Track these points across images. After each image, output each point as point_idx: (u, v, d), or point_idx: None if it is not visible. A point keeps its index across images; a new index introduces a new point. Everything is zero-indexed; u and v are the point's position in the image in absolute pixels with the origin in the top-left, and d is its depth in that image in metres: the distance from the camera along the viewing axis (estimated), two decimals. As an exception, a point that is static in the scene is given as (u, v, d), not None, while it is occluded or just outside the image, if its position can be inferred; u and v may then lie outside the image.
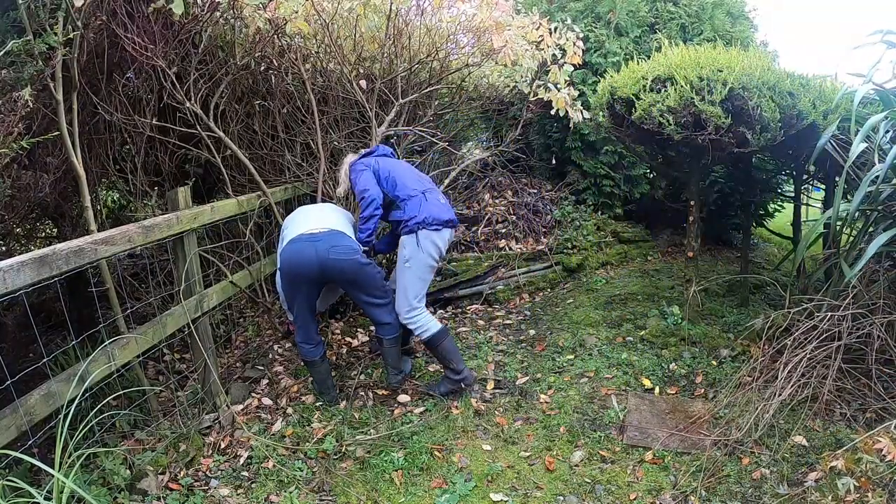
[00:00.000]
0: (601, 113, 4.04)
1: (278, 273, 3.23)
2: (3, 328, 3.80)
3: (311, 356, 3.25)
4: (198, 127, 3.48)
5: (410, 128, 4.37)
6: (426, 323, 3.26)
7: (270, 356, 3.90)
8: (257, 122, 4.15)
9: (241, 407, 3.25)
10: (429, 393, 3.32)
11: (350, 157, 3.51)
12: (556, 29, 4.28)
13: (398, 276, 3.30)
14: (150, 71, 3.40)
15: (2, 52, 2.47)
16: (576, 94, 4.45)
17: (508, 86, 5.08)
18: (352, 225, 3.33)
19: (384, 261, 4.23)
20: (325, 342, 3.39)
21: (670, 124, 3.22)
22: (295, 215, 3.32)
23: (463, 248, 5.10)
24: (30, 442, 2.01)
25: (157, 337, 2.72)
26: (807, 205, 4.66)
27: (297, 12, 3.34)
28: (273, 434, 3.01)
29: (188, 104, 3.33)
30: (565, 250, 5.16)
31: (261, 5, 3.32)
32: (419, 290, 3.27)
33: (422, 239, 3.18)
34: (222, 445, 2.90)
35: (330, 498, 2.57)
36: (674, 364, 3.48)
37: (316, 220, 3.13)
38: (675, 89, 3.18)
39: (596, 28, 5.31)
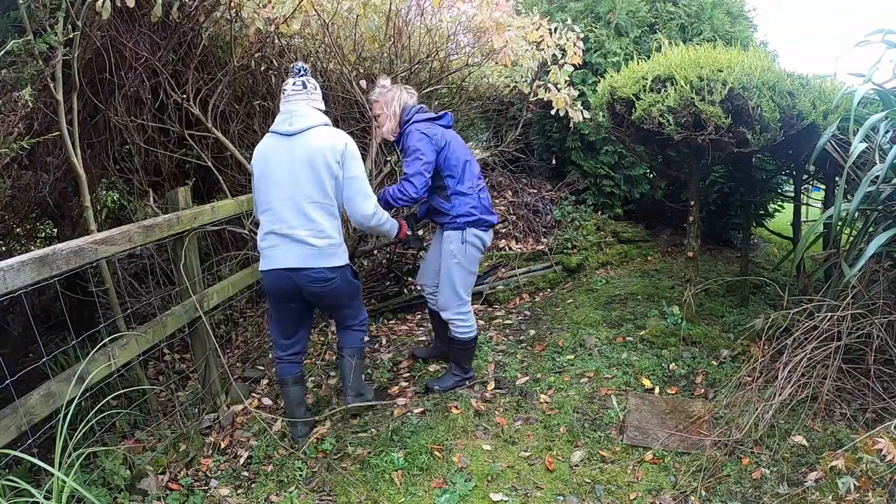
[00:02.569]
0: (601, 113, 4.04)
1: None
2: (4, 329, 3.80)
3: (280, 374, 2.93)
4: (192, 130, 3.47)
5: (410, 128, 4.36)
6: (473, 323, 3.29)
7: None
8: (257, 122, 4.15)
9: (241, 407, 3.25)
10: (432, 388, 3.32)
11: (405, 95, 3.16)
12: (556, 29, 4.28)
13: (445, 270, 3.22)
14: (148, 71, 3.40)
15: (2, 52, 2.48)
16: (576, 94, 4.45)
17: (508, 86, 5.08)
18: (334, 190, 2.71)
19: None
20: (302, 360, 3.00)
21: (670, 124, 3.22)
22: (270, 209, 2.68)
23: (463, 248, 5.09)
24: (29, 441, 2.01)
25: (158, 337, 2.72)
26: (807, 205, 4.66)
27: (294, 12, 3.34)
28: (273, 434, 3.01)
29: (186, 103, 3.33)
30: (565, 250, 5.16)
31: (260, 5, 3.32)
32: (470, 283, 3.29)
33: (469, 237, 3.17)
34: (222, 445, 2.90)
35: (330, 498, 2.57)
36: (674, 364, 3.47)
37: (295, 251, 2.66)
38: (675, 89, 3.18)
39: (596, 28, 5.31)
